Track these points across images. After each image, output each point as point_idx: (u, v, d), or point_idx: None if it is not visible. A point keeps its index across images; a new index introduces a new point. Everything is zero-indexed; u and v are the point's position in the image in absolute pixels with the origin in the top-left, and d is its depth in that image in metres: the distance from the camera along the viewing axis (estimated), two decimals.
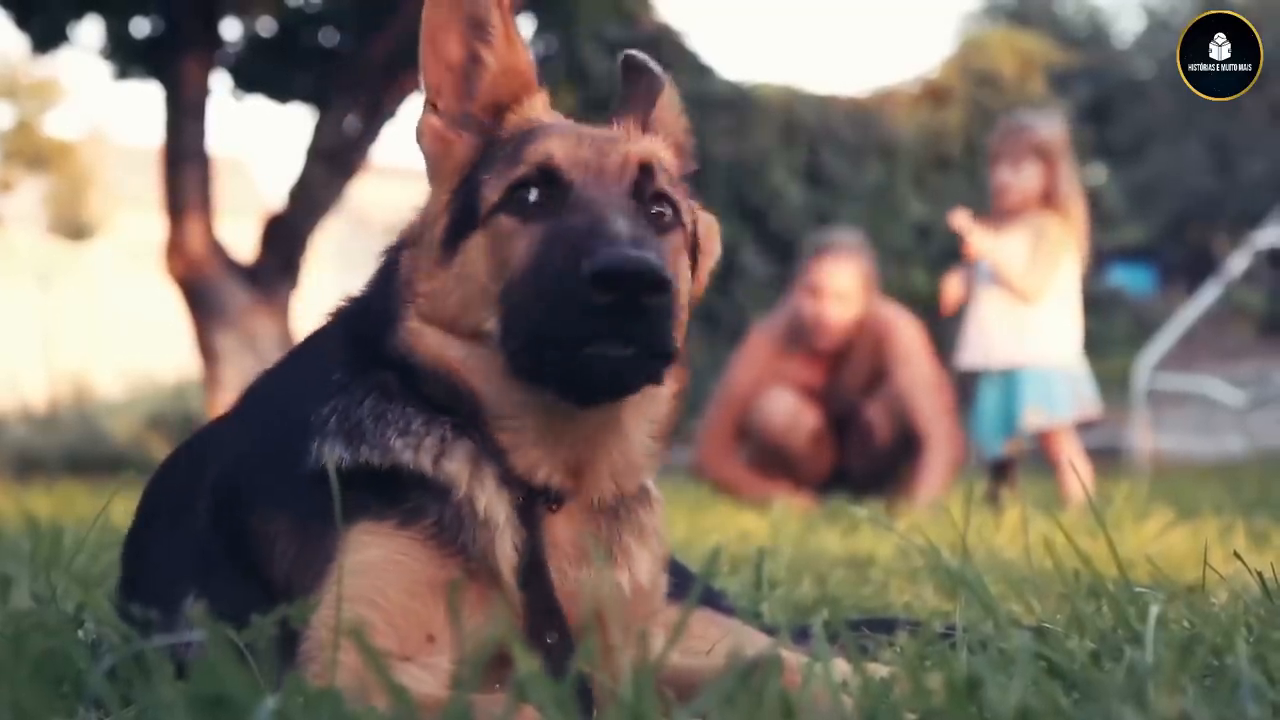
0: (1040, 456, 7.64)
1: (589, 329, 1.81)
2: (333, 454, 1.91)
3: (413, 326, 2.01)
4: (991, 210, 7.22)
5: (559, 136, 2.03)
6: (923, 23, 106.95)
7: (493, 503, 1.93)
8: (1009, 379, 7.00)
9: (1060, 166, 7.02)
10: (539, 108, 2.15)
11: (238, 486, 2.05)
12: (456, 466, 1.94)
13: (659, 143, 2.11)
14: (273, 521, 1.95)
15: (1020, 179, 7.02)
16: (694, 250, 2.12)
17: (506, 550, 1.92)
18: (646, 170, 2.01)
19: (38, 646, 1.82)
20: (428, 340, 1.99)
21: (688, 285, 2.07)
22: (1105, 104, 26.13)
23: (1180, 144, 26.31)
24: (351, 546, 1.86)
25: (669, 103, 2.19)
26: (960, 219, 7.02)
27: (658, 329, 1.84)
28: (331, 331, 2.15)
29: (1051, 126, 7.27)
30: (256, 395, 2.24)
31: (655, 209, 2.01)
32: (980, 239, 6.94)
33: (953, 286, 7.24)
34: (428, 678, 1.82)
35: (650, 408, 2.04)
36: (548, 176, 1.98)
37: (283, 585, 1.89)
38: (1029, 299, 6.92)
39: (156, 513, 2.31)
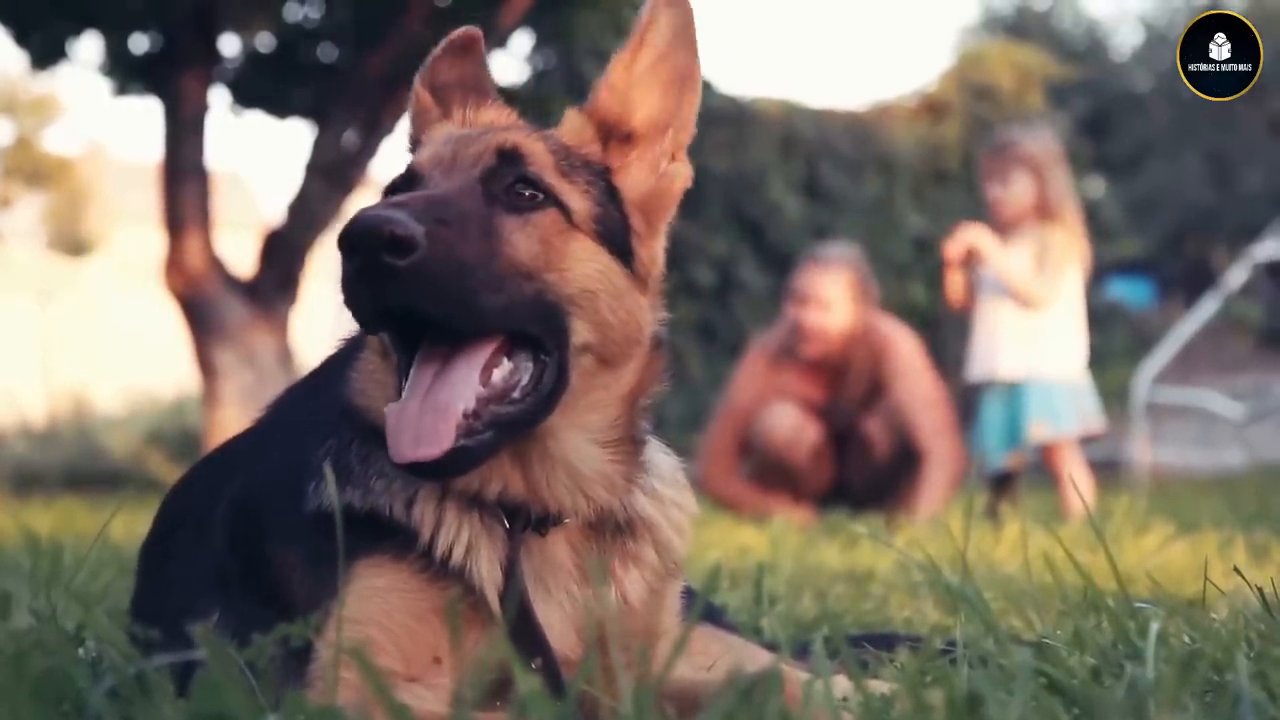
0: (1042, 470, 7.64)
1: (354, 301, 1.83)
2: (327, 497, 1.93)
3: (351, 375, 2.07)
4: (990, 226, 7.25)
5: (435, 142, 2.09)
6: (920, 36, 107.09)
7: (460, 537, 1.95)
8: (1013, 391, 7.01)
9: (1049, 177, 7.05)
10: (442, 130, 2.17)
11: (255, 512, 2.06)
12: (420, 509, 1.96)
13: (529, 133, 2.08)
14: (289, 554, 1.97)
15: (1011, 193, 7.05)
16: (623, 228, 2.06)
17: (491, 577, 1.93)
18: (506, 157, 2.00)
19: (38, 665, 1.81)
20: (356, 387, 2.05)
21: (592, 263, 1.99)
22: (1103, 117, 26.14)
23: (1178, 157, 26.31)
24: (357, 576, 1.88)
25: (666, 27, 2.12)
26: (967, 232, 7.04)
27: (426, 291, 1.80)
28: (340, 357, 2.17)
29: (1037, 139, 7.33)
30: (276, 417, 2.26)
31: (522, 192, 1.98)
32: (987, 241, 6.97)
33: (956, 284, 7.21)
34: (431, 696, 1.83)
35: (586, 414, 2.01)
36: (409, 178, 2.03)
37: (304, 612, 1.90)
38: (1037, 305, 6.93)
39: (177, 527, 2.32)
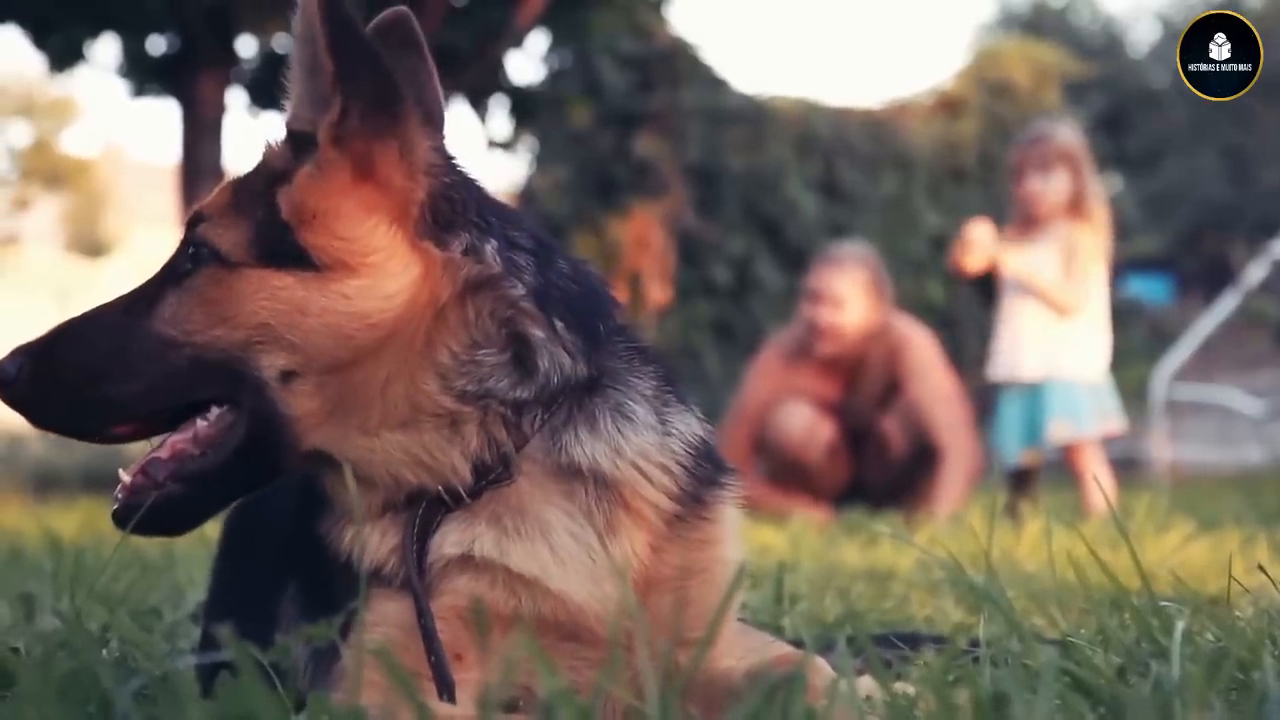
0: (1062, 469, 7.63)
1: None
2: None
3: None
4: (1018, 220, 7.23)
5: None
6: (937, 34, 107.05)
7: (384, 543, 1.94)
8: (1034, 390, 7.00)
9: (1085, 172, 7.06)
10: None
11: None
12: (349, 536, 1.96)
13: (229, 181, 2.04)
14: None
15: (1050, 186, 7.02)
16: (285, 232, 1.92)
17: (407, 567, 1.91)
18: (191, 226, 1.99)
19: (64, 667, 1.82)
20: None
21: (259, 294, 1.89)
22: (1120, 114, 26.09)
23: (1196, 153, 26.26)
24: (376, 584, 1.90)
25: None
26: (981, 231, 7.01)
27: (35, 411, 1.97)
28: None
29: (1073, 133, 7.32)
30: None
31: (192, 256, 1.95)
32: (1012, 259, 6.95)
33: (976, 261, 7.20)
34: (460, 696, 1.82)
35: (357, 414, 1.91)
36: None
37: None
38: (1068, 312, 6.93)
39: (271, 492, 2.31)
